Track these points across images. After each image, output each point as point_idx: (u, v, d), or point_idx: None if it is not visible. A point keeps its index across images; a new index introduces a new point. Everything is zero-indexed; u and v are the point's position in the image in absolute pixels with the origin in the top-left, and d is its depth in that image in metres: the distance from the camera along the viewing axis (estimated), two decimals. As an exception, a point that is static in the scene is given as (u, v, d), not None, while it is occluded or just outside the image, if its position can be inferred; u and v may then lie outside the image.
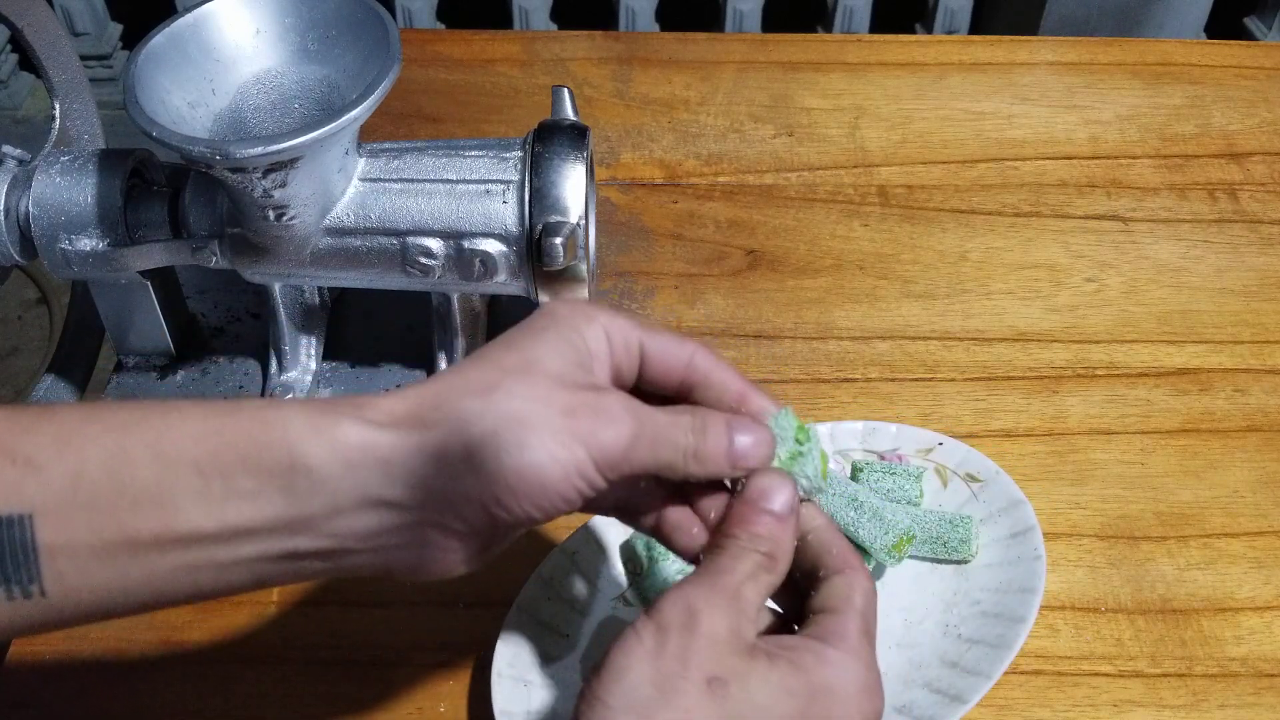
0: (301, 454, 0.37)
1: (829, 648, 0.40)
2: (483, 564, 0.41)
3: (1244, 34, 1.94)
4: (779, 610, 0.45)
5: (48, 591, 0.36)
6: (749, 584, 0.40)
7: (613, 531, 0.61)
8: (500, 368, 0.39)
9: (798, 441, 0.44)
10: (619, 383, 0.43)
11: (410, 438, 0.38)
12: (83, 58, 0.74)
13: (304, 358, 0.69)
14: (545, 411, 0.38)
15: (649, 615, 0.39)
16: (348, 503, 0.38)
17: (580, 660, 0.57)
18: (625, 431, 0.39)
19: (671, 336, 0.44)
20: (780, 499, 0.42)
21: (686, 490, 0.44)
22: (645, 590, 0.52)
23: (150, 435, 0.36)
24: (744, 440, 0.42)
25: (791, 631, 0.43)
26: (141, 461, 0.36)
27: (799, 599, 0.43)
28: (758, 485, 0.42)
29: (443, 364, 0.69)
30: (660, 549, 0.52)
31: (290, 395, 0.68)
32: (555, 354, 0.40)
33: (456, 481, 0.38)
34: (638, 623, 0.39)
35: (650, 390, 0.44)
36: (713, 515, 0.43)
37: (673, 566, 0.52)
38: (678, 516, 0.44)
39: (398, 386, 0.65)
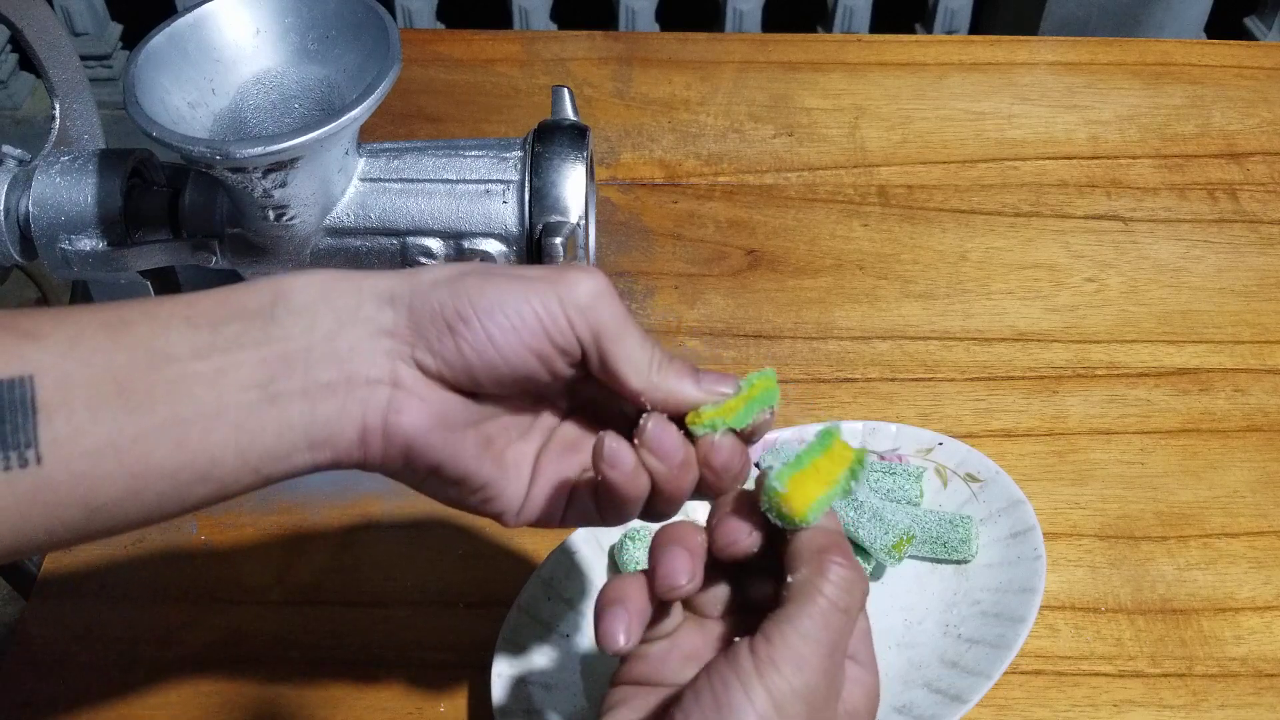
0: (283, 288, 0.39)
1: (864, 671, 0.40)
2: (448, 460, 0.41)
3: (1244, 34, 1.94)
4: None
5: (43, 456, 0.36)
6: (837, 654, 0.38)
7: (612, 533, 0.61)
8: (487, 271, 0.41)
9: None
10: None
11: (384, 277, 0.40)
12: (83, 58, 0.74)
13: (304, 358, 0.69)
14: (517, 267, 0.41)
15: (763, 681, 0.36)
16: (323, 326, 0.39)
17: (580, 660, 0.57)
18: (598, 283, 0.40)
19: (680, 360, 0.42)
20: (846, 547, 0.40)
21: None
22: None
23: (144, 304, 0.38)
24: (709, 375, 0.42)
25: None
26: (136, 322, 0.38)
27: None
28: (834, 533, 0.40)
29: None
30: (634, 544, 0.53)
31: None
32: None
33: (424, 298, 0.39)
34: (752, 691, 0.36)
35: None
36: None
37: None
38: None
39: None
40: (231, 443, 0.38)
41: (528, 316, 0.39)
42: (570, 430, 0.45)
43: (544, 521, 0.44)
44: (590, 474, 0.43)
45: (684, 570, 0.40)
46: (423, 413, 0.40)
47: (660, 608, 0.41)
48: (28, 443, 0.36)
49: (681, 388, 0.41)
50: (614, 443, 0.40)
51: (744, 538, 0.40)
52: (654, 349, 0.41)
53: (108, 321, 0.37)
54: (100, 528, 0.38)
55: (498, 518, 0.43)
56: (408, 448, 0.40)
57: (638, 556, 0.58)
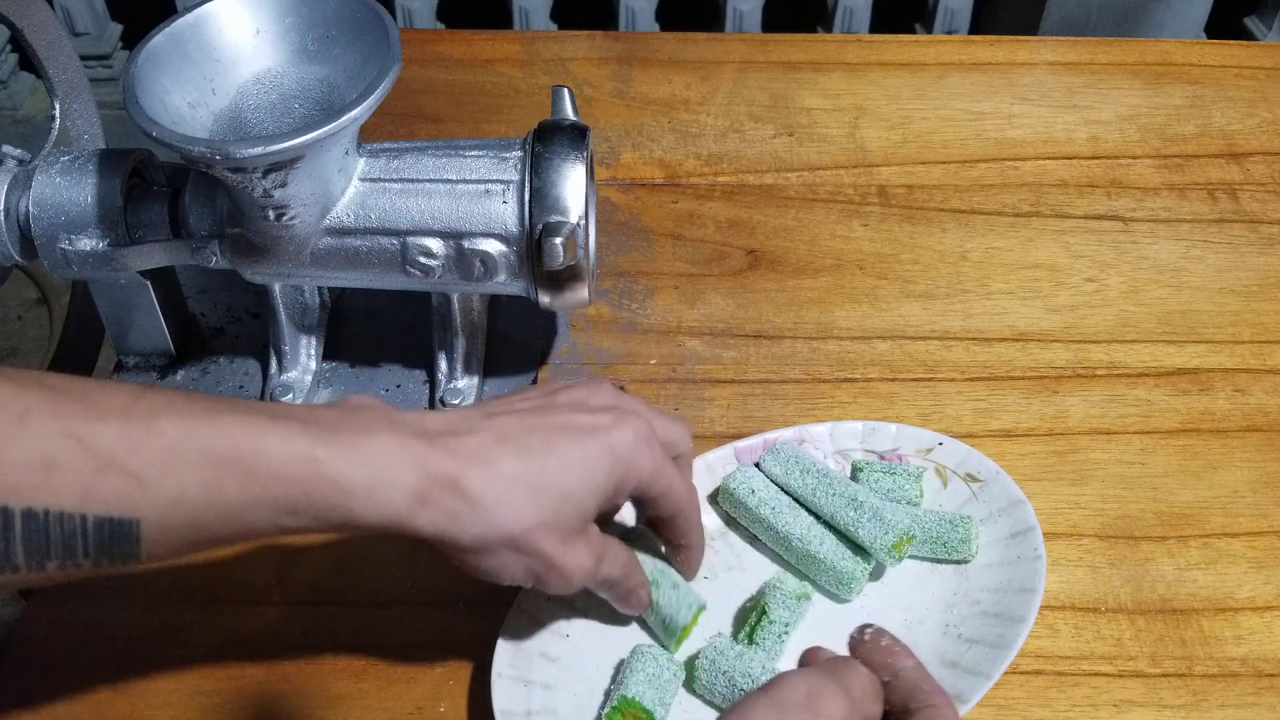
0: (358, 515, 0.46)
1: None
2: None
3: (1244, 34, 1.94)
4: None
5: (142, 560, 0.44)
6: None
7: (613, 531, 0.60)
8: (511, 477, 0.48)
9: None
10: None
11: (443, 511, 0.47)
12: (83, 58, 0.74)
13: (304, 358, 0.69)
14: (530, 540, 0.49)
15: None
16: (380, 527, 0.47)
17: (580, 660, 0.57)
18: (573, 585, 0.51)
19: (674, 422, 0.56)
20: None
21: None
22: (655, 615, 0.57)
23: (241, 471, 0.44)
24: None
25: None
26: (232, 492, 0.44)
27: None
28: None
29: (442, 364, 0.69)
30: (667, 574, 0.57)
31: (290, 395, 0.68)
32: (577, 499, 0.50)
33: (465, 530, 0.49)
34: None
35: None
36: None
37: (675, 594, 0.57)
38: None
39: (409, 401, 0.68)
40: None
41: (505, 584, 0.51)
42: None
43: None
44: None
45: None
46: None
47: None
48: (130, 557, 0.43)
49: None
50: None
51: None
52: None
53: (207, 483, 0.43)
54: None
55: None
56: None
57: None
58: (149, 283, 0.67)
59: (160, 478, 0.42)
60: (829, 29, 1.92)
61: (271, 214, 0.59)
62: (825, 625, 0.58)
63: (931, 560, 0.60)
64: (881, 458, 0.64)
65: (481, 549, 0.48)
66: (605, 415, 0.51)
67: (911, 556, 0.60)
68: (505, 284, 0.63)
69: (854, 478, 0.63)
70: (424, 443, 0.47)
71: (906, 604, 0.58)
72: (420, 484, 0.46)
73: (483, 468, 0.47)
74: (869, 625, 0.47)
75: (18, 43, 0.67)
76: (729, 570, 0.60)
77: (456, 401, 0.68)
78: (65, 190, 0.62)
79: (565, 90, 0.65)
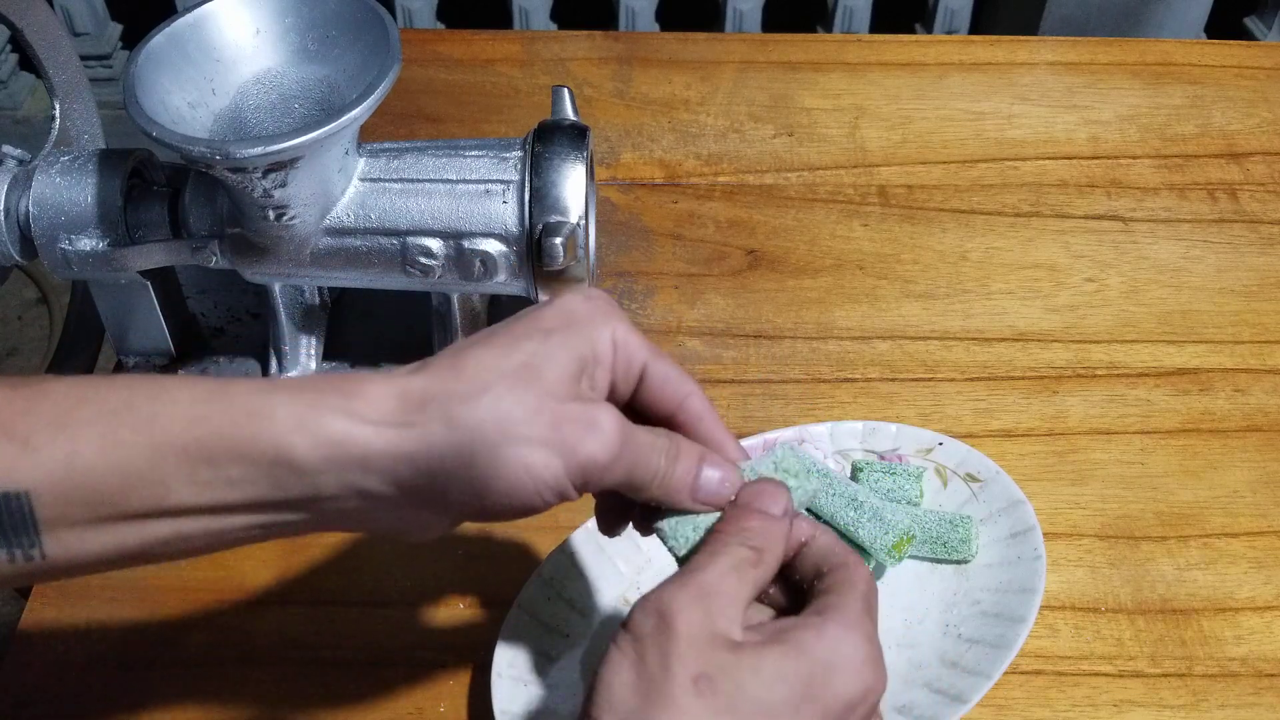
0: (286, 448, 0.38)
1: (828, 622, 0.40)
2: (444, 533, 0.43)
3: (1244, 34, 1.94)
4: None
5: (48, 554, 0.38)
6: (728, 577, 0.40)
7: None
8: (497, 370, 0.40)
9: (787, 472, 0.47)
10: (613, 395, 0.44)
11: (393, 436, 0.39)
12: (83, 58, 0.74)
13: (304, 358, 0.69)
14: (528, 422, 0.39)
15: (624, 627, 0.39)
16: (329, 491, 0.39)
17: (580, 660, 0.57)
18: (608, 448, 0.40)
19: (675, 370, 0.45)
20: (773, 503, 0.43)
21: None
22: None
23: (140, 420, 0.38)
24: (711, 475, 0.43)
25: None
26: (132, 445, 0.38)
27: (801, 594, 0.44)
28: (751, 490, 0.43)
29: (443, 364, 0.69)
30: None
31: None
32: (557, 363, 0.41)
33: (434, 481, 0.39)
34: (616, 635, 0.39)
35: (639, 413, 0.45)
36: None
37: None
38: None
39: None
40: (238, 542, 0.41)
41: (534, 501, 0.40)
42: None
43: None
44: None
45: None
46: (429, 529, 0.42)
47: None
48: (31, 544, 0.37)
49: (678, 501, 0.43)
50: None
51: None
52: (656, 469, 0.42)
53: (103, 438, 0.37)
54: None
55: None
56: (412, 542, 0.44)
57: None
58: (149, 283, 0.67)
59: (49, 440, 0.37)
60: (829, 29, 1.92)
61: (271, 214, 0.59)
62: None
63: (931, 560, 0.60)
64: (881, 458, 0.64)
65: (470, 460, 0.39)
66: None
67: (911, 556, 0.60)
68: (505, 284, 0.63)
69: (854, 478, 0.63)
70: (363, 374, 0.41)
71: (906, 604, 0.58)
72: (374, 395, 0.39)
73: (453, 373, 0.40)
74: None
75: (18, 43, 0.67)
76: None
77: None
78: (65, 190, 0.62)
79: (565, 90, 0.65)
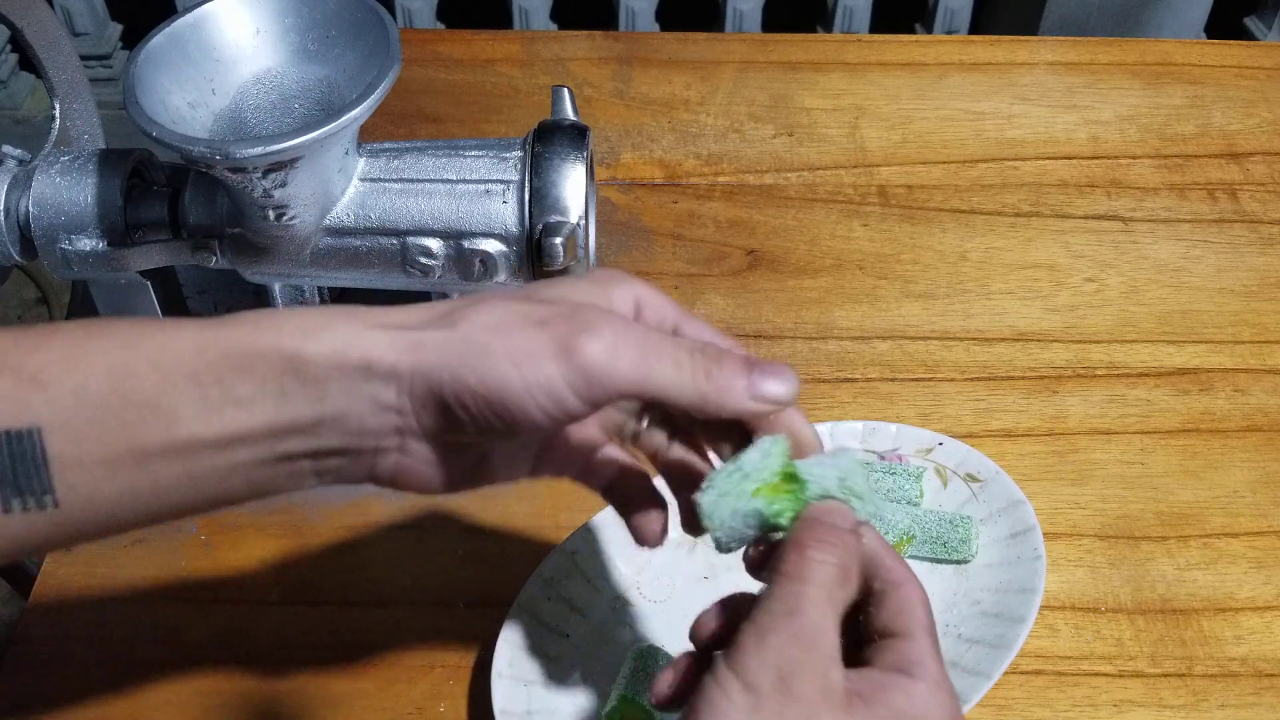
0: (293, 354, 0.38)
1: (916, 682, 0.39)
2: (461, 489, 0.42)
3: (1244, 34, 1.94)
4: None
5: (60, 502, 0.37)
6: (827, 613, 0.38)
7: (613, 531, 0.61)
8: (499, 293, 0.40)
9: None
10: None
11: (396, 337, 0.38)
12: (83, 58, 0.73)
13: (304, 358, 0.69)
14: (523, 323, 0.38)
15: (732, 670, 0.37)
16: (334, 402, 0.38)
17: (580, 660, 0.57)
18: (606, 342, 0.37)
19: (710, 328, 0.43)
20: (838, 515, 0.41)
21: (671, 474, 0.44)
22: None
23: (151, 349, 0.37)
24: (767, 369, 0.40)
25: (855, 649, 0.41)
26: (143, 374, 0.37)
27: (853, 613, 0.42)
28: (817, 509, 0.41)
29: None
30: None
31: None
32: (569, 290, 0.40)
33: (426, 381, 0.38)
34: (724, 679, 0.37)
35: None
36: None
37: None
38: (649, 502, 0.45)
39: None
40: (245, 488, 0.40)
41: (530, 409, 0.38)
42: None
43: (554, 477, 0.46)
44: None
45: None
46: (430, 476, 0.41)
47: None
48: (44, 490, 0.36)
49: (732, 398, 0.40)
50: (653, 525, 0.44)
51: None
52: (691, 361, 0.39)
53: (113, 369, 0.37)
54: (113, 535, 0.40)
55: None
56: (417, 491, 0.42)
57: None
58: (149, 283, 0.67)
59: (60, 374, 0.36)
60: (829, 29, 1.92)
61: (271, 214, 0.59)
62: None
63: (931, 560, 0.60)
64: (881, 458, 0.64)
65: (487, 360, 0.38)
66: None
67: (911, 556, 0.60)
68: (505, 284, 0.63)
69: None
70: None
71: (906, 604, 0.58)
72: (377, 311, 0.39)
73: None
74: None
75: (18, 43, 0.67)
76: (729, 571, 0.60)
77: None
78: (65, 190, 0.62)
79: (565, 90, 0.65)
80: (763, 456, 0.41)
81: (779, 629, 0.38)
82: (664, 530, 0.46)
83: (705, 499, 0.41)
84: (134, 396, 0.37)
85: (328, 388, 0.38)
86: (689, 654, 0.42)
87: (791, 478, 0.41)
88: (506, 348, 0.37)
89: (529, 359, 0.37)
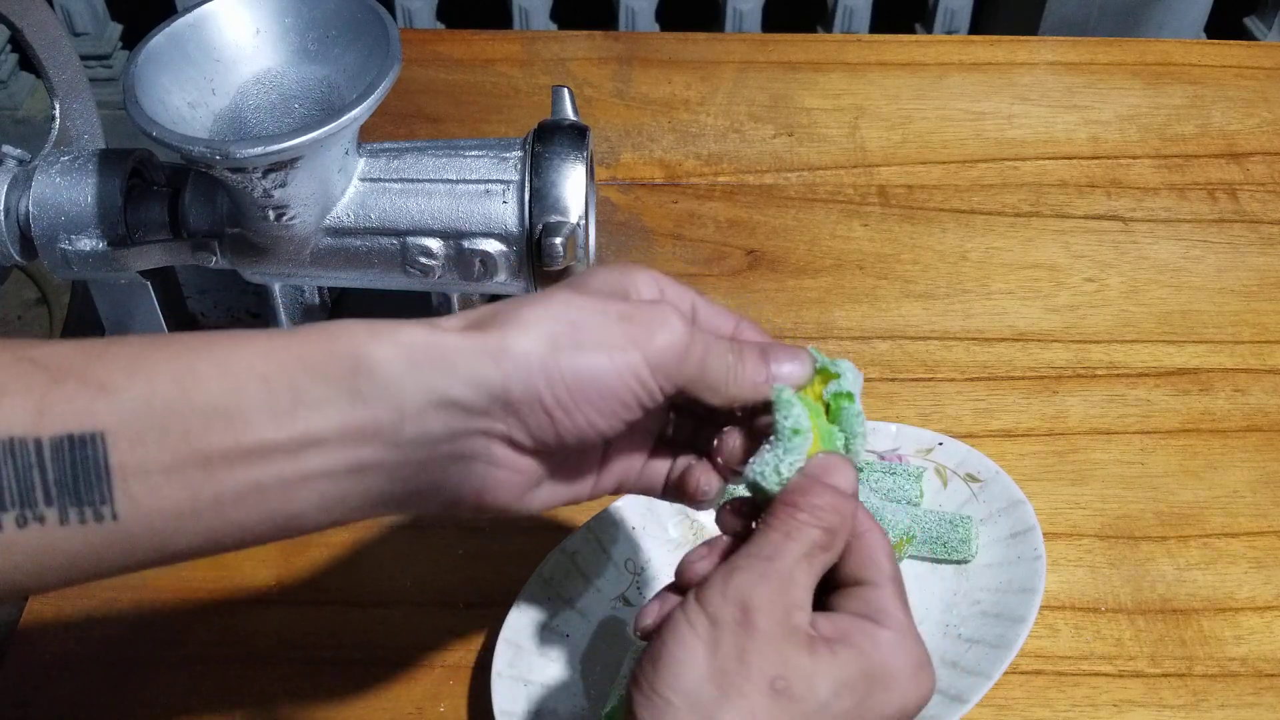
0: (366, 355, 0.37)
1: (881, 628, 0.40)
2: (540, 508, 0.42)
3: (1244, 34, 1.94)
4: None
5: (119, 514, 0.36)
6: (803, 565, 0.40)
7: (613, 531, 0.61)
8: (552, 288, 0.41)
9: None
10: None
11: (472, 339, 0.38)
12: (83, 58, 0.73)
13: (304, 358, 0.69)
14: (601, 317, 0.39)
15: (700, 603, 0.39)
16: (412, 404, 0.37)
17: (580, 660, 0.57)
18: (680, 337, 0.40)
19: (718, 306, 0.45)
20: (844, 477, 0.42)
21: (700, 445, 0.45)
22: None
23: (218, 353, 0.37)
24: (780, 355, 0.43)
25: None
26: (211, 378, 0.36)
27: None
28: (820, 463, 0.42)
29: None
30: None
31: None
32: (604, 282, 0.42)
33: (517, 380, 0.38)
34: (690, 610, 0.39)
35: None
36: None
37: None
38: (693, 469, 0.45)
39: None
40: (314, 504, 0.38)
41: (624, 396, 0.39)
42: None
43: (616, 493, 0.46)
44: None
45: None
46: (517, 485, 0.41)
47: None
48: (103, 499, 0.35)
49: (755, 392, 0.43)
50: (704, 484, 0.44)
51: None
52: (728, 363, 0.42)
53: (179, 375, 0.36)
54: (170, 563, 0.39)
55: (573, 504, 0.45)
56: (499, 511, 0.41)
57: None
58: (149, 283, 0.67)
59: (125, 380, 0.36)
60: (829, 29, 1.92)
61: (271, 214, 0.59)
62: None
63: (931, 560, 0.60)
64: (881, 458, 0.64)
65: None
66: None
67: (911, 556, 0.60)
68: (505, 284, 0.63)
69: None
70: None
71: (906, 604, 0.58)
72: (444, 319, 0.39)
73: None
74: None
75: (18, 43, 0.67)
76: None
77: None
78: (65, 190, 0.62)
79: (565, 90, 0.65)
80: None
81: (750, 569, 0.39)
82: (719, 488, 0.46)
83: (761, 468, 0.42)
84: (200, 400, 0.36)
85: (405, 388, 0.37)
86: (673, 586, 0.43)
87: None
88: (598, 342, 0.39)
89: (618, 349, 0.39)
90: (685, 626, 0.38)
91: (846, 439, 0.44)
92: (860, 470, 0.60)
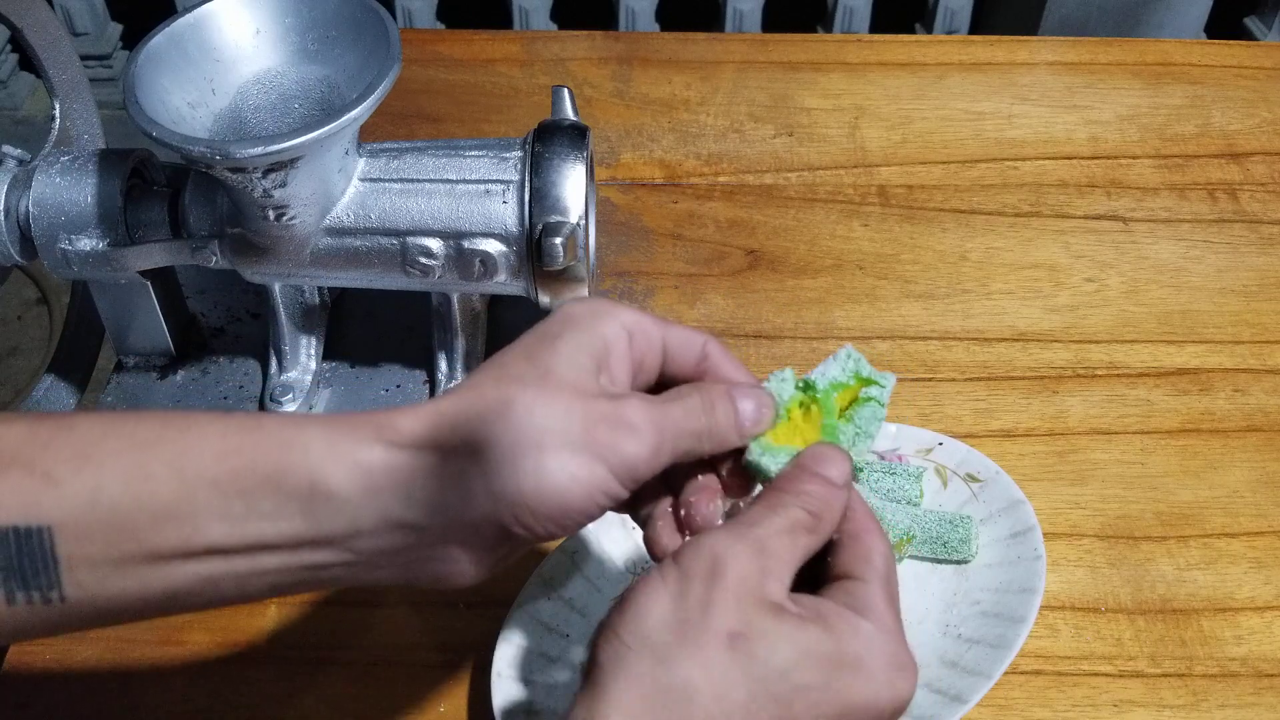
0: (322, 477, 0.37)
1: (862, 619, 0.39)
2: (497, 570, 0.42)
3: (1244, 34, 1.94)
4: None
5: (67, 598, 0.36)
6: (782, 538, 0.39)
7: (613, 531, 0.61)
8: (517, 380, 0.39)
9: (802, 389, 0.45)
10: (640, 379, 0.43)
11: (429, 459, 0.38)
12: (83, 58, 0.74)
13: (304, 358, 0.69)
14: (563, 429, 0.38)
15: (674, 558, 0.39)
16: (368, 524, 0.38)
17: (580, 660, 0.57)
18: (647, 443, 0.39)
19: (685, 329, 0.44)
20: (836, 469, 0.42)
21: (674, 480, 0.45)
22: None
23: (170, 453, 0.37)
24: (747, 406, 0.42)
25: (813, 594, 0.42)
26: (161, 478, 0.36)
27: (816, 559, 0.42)
28: (814, 452, 0.42)
29: (442, 364, 0.69)
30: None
31: (290, 395, 0.68)
32: (571, 362, 0.40)
33: (476, 503, 0.38)
34: (663, 564, 0.39)
35: (667, 382, 0.44)
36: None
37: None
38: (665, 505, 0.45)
39: (409, 401, 0.65)
40: (268, 591, 0.39)
41: (589, 509, 0.39)
42: None
43: None
44: None
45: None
46: (473, 574, 0.40)
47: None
48: (50, 585, 0.36)
49: (731, 443, 0.43)
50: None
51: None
52: (698, 429, 0.41)
53: (129, 473, 0.36)
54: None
55: None
56: (453, 589, 0.41)
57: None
58: (149, 283, 0.67)
59: (73, 473, 0.36)
60: (829, 29, 1.92)
61: (271, 214, 0.59)
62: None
63: (931, 560, 0.60)
64: (882, 458, 0.64)
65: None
66: None
67: (911, 556, 0.60)
68: (505, 284, 0.63)
69: (854, 478, 0.63)
70: (392, 407, 0.40)
71: (906, 604, 0.58)
72: (405, 423, 0.38)
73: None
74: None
75: (18, 43, 0.67)
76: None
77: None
78: (65, 190, 0.62)
79: (565, 90, 0.65)
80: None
81: (728, 530, 0.39)
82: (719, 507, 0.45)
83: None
84: (151, 502, 0.36)
85: (361, 511, 0.38)
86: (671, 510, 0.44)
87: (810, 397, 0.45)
88: (561, 463, 0.38)
89: (583, 469, 0.38)
90: (656, 575, 0.38)
91: (855, 435, 0.44)
92: (859, 471, 0.60)
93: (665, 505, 0.44)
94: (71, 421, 0.37)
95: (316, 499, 0.37)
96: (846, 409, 0.46)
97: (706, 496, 0.44)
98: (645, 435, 0.39)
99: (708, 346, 0.44)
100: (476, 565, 0.40)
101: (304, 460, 0.37)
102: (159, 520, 0.36)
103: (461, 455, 0.38)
